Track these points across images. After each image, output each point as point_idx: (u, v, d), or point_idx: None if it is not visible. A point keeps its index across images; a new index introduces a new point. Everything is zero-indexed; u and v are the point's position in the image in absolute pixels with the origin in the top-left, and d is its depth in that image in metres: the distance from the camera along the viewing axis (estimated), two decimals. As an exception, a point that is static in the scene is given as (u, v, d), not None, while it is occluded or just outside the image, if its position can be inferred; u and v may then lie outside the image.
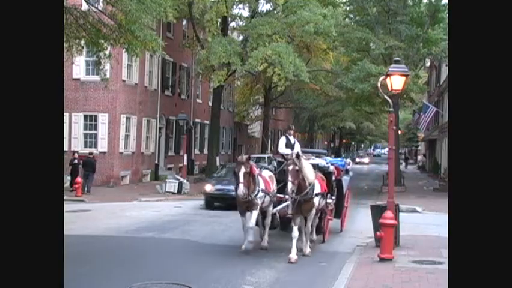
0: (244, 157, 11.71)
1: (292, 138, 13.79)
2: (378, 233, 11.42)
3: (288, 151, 13.03)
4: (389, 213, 11.40)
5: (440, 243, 12.69)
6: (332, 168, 14.06)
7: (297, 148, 13.32)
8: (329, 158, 16.43)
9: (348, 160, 19.75)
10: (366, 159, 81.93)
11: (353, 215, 17.68)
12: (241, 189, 11.15)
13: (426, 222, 17.65)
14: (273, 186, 12.44)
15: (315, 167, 12.95)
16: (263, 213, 12.59)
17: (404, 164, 64.73)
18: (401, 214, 13.66)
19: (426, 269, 10.25)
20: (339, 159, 19.35)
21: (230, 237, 13.93)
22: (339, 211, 14.86)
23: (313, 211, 11.93)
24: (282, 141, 13.79)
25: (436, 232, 14.87)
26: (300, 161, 11.15)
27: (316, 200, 11.90)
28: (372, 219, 12.87)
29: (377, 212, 12.38)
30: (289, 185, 10.74)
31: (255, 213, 11.89)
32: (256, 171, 12.04)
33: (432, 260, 11.07)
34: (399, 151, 64.46)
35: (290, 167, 10.88)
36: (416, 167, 65.31)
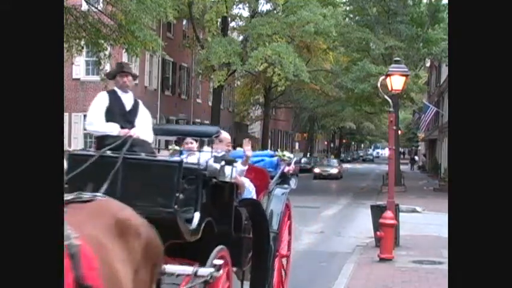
0: None
1: (129, 96, 5.69)
2: (378, 233, 11.43)
3: (112, 127, 5.41)
4: (389, 213, 11.40)
5: (440, 243, 12.69)
6: (228, 172, 5.64)
7: (144, 121, 5.68)
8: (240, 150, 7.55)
9: (288, 154, 8.07)
10: (334, 168, 43.41)
11: (353, 215, 17.67)
12: None
13: (426, 222, 17.63)
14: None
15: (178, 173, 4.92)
16: None
17: (409, 165, 64.48)
18: (401, 214, 13.65)
19: (426, 269, 10.25)
20: (267, 152, 9.06)
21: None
22: (261, 275, 6.52)
23: None
24: (101, 101, 5.59)
25: (436, 232, 14.86)
26: None
27: None
28: (372, 219, 12.86)
29: (377, 212, 12.38)
30: None
31: None
32: None
33: (432, 260, 11.07)
34: (402, 151, 64.53)
35: None
36: (416, 167, 65.25)
